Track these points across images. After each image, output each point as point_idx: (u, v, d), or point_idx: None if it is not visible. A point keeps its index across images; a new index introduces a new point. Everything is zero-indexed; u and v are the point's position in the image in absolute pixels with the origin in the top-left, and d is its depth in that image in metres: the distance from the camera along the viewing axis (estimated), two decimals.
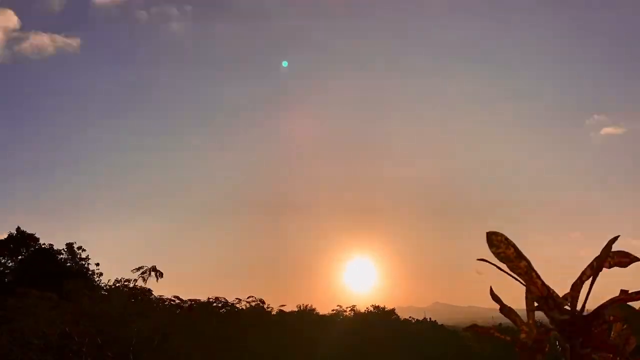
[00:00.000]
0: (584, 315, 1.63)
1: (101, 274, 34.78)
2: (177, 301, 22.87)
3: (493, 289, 2.08)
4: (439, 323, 44.61)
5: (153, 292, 23.40)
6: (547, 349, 1.99)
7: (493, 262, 1.73)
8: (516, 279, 1.73)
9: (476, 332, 2.37)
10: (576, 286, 1.62)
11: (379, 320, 37.17)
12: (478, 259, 1.82)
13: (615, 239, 1.62)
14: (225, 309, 23.53)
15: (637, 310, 1.89)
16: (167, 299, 22.91)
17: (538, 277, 1.61)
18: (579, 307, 1.64)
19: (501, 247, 1.62)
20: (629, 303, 1.86)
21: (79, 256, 34.64)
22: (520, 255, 1.61)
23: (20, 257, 33.83)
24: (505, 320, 2.14)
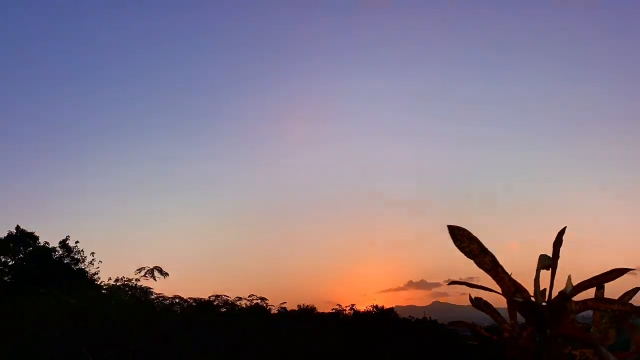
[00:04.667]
0: (550, 306, 1.70)
1: (98, 266, 34.61)
2: (178, 300, 22.94)
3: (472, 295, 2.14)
4: (439, 322, 44.57)
5: (154, 291, 23.48)
6: (530, 345, 2.05)
7: (462, 282, 1.78)
8: (487, 289, 1.78)
9: (459, 327, 2.45)
10: (536, 281, 1.68)
11: (379, 319, 37.20)
12: (449, 283, 1.87)
13: (563, 230, 1.68)
14: (226, 308, 23.60)
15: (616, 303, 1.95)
16: (168, 298, 22.98)
17: (504, 272, 1.67)
18: (546, 299, 1.72)
19: (465, 241, 1.67)
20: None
21: (74, 252, 34.40)
22: (484, 251, 1.67)
23: (20, 256, 33.83)
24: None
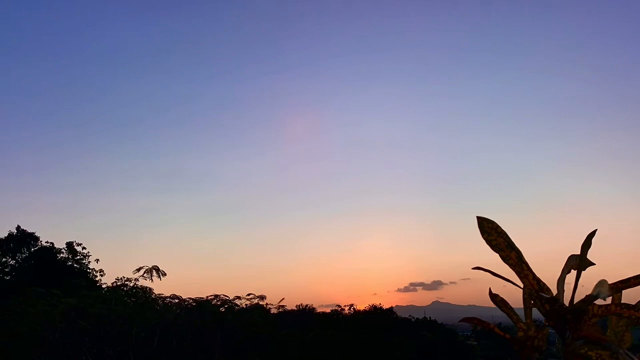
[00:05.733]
0: (573, 308, 1.66)
1: (102, 272, 34.70)
2: (177, 300, 22.86)
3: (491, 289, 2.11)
4: (439, 322, 44.69)
5: (153, 291, 23.44)
6: (544, 346, 2.02)
7: (487, 269, 1.75)
8: (509, 282, 1.75)
9: (474, 324, 2.41)
10: (561, 281, 1.65)
11: (378, 319, 37.18)
12: (473, 268, 1.84)
13: (593, 233, 1.64)
14: (225, 307, 23.52)
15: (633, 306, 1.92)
16: (167, 297, 22.92)
17: (529, 269, 1.63)
18: (567, 300, 1.68)
19: (493, 234, 1.62)
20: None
21: (79, 254, 34.52)
22: (511, 246, 1.63)
23: (22, 256, 33.79)
24: (506, 320, 2.18)
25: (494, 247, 1.67)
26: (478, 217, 1.68)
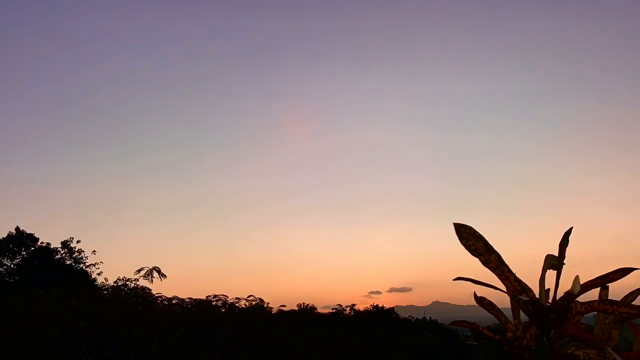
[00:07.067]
0: (554, 307, 1.69)
1: (100, 272, 34.63)
2: (177, 300, 22.91)
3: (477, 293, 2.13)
4: (439, 322, 44.70)
5: (153, 292, 23.49)
6: (533, 345, 2.04)
7: (468, 278, 1.76)
8: (491, 287, 1.77)
9: (462, 327, 2.44)
10: (542, 281, 1.67)
11: (379, 319, 37.17)
12: (454, 279, 1.85)
13: (570, 231, 1.66)
14: (225, 308, 23.56)
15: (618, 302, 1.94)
16: (167, 298, 22.97)
17: (509, 271, 1.66)
18: (550, 299, 1.71)
19: (471, 239, 1.65)
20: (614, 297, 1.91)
21: (75, 251, 34.33)
22: (490, 249, 1.65)
23: (21, 258, 33.77)
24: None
25: (474, 252, 1.68)
26: (455, 224, 1.68)
